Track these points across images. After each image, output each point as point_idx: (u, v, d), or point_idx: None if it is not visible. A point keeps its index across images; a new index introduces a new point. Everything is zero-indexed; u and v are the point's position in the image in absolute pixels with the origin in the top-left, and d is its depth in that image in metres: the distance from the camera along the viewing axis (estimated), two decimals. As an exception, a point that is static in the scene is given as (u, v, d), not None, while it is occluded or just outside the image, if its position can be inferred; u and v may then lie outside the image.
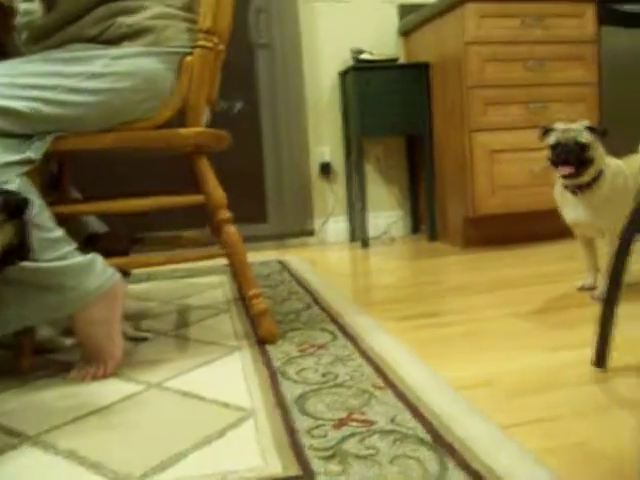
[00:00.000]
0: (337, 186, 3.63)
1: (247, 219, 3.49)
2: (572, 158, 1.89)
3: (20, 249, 1.28)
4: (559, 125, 1.97)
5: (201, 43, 1.61)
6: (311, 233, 3.56)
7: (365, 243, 3.36)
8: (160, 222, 3.20)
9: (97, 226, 2.08)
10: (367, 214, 3.38)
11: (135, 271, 2.87)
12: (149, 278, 2.78)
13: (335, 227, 3.63)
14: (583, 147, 1.89)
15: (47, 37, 1.59)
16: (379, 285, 2.43)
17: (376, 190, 3.66)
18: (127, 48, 1.55)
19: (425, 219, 3.49)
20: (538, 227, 3.08)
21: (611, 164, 1.95)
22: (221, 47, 1.72)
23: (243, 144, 3.52)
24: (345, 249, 3.40)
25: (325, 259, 3.13)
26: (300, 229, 3.54)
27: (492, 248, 3.02)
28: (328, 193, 3.63)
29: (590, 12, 3.00)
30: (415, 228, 3.72)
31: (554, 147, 1.93)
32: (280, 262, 2.97)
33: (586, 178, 1.91)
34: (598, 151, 1.92)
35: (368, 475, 0.97)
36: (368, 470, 0.98)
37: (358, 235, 3.51)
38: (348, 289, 2.38)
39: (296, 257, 3.12)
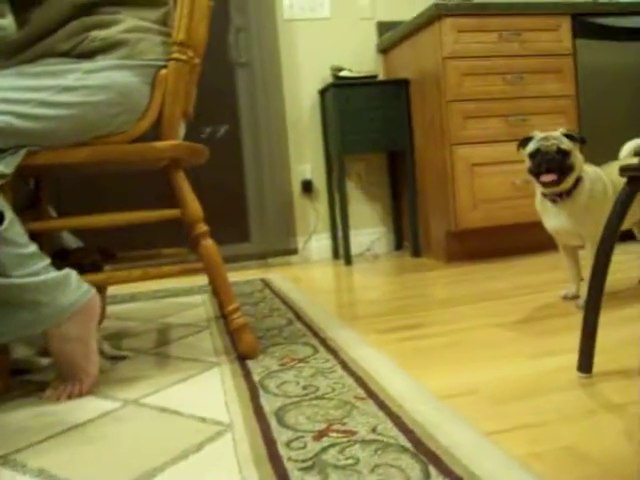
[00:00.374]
0: (319, 204, 3.62)
1: (229, 239, 3.47)
2: (554, 166, 1.88)
3: None
4: (537, 134, 1.96)
5: (175, 56, 1.60)
6: (294, 251, 3.54)
7: (348, 260, 3.34)
8: (142, 242, 3.19)
9: (72, 242, 2.05)
10: (350, 231, 3.36)
11: (117, 292, 2.84)
12: (131, 299, 2.74)
13: (318, 245, 3.62)
14: (565, 154, 1.89)
15: (20, 52, 1.57)
16: (362, 300, 2.41)
17: (358, 207, 3.65)
18: (100, 62, 1.54)
19: (408, 235, 3.48)
20: (521, 239, 3.08)
21: (589, 171, 1.95)
22: (196, 60, 1.71)
23: (224, 163, 3.51)
24: (328, 266, 3.38)
25: (308, 277, 3.10)
26: (283, 248, 3.52)
27: (476, 262, 3.01)
28: (310, 211, 3.61)
29: (565, 25, 3.03)
30: (398, 244, 3.71)
31: (533, 156, 1.93)
32: (262, 280, 2.94)
33: (566, 185, 1.90)
34: (577, 158, 1.91)
35: (347, 484, 0.94)
36: (347, 479, 0.95)
37: (341, 253, 3.49)
38: (331, 304, 2.35)
39: (279, 275, 3.09)
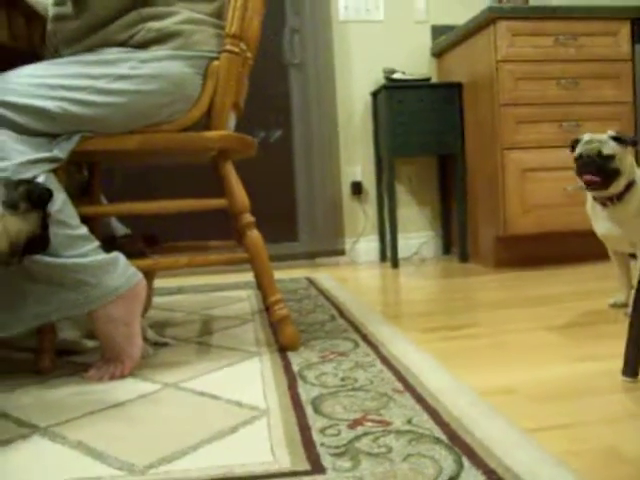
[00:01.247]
0: (368, 206, 3.62)
1: (279, 238, 3.50)
2: (593, 170, 1.85)
3: (41, 240, 1.29)
4: (585, 136, 1.93)
5: (228, 48, 1.62)
6: (342, 252, 3.54)
7: (395, 263, 3.32)
8: (192, 234, 3.23)
9: (121, 231, 2.09)
10: (398, 234, 3.34)
11: (165, 284, 2.89)
12: (178, 291, 2.78)
13: (366, 247, 3.61)
14: (607, 158, 1.85)
15: (77, 41, 1.62)
16: (406, 300, 2.40)
17: (407, 210, 3.63)
18: (155, 51, 1.57)
19: (456, 240, 3.45)
20: (571, 247, 3.02)
21: None
22: (248, 54, 1.73)
23: (275, 162, 3.54)
24: (375, 269, 3.37)
25: (354, 277, 3.10)
26: (331, 248, 3.52)
27: (524, 268, 2.96)
28: (359, 213, 3.61)
29: (625, 30, 2.96)
30: (446, 249, 3.68)
31: (578, 159, 1.90)
32: (308, 279, 2.95)
33: (616, 189, 1.86)
34: (625, 161, 1.86)
35: (377, 471, 0.94)
36: (378, 467, 0.95)
37: (388, 255, 3.48)
38: (375, 303, 2.34)
39: (325, 275, 3.10)
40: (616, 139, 1.87)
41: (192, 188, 3.16)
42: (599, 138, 1.89)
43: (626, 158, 1.87)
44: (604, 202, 1.90)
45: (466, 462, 0.96)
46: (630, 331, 1.36)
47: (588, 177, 1.86)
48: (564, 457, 0.98)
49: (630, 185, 1.87)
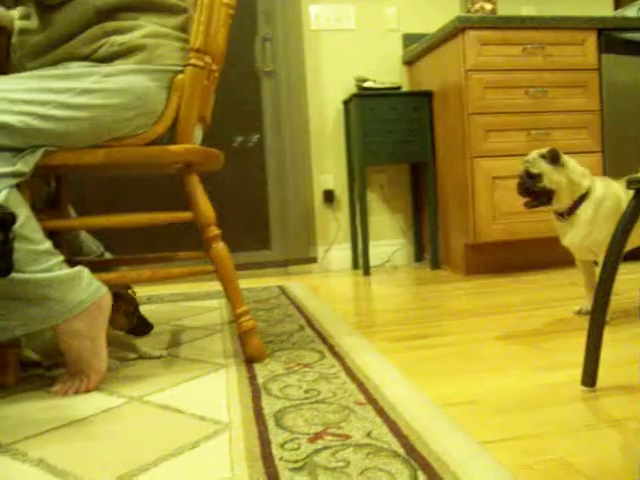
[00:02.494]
0: (340, 214, 3.63)
1: (251, 245, 3.51)
2: (522, 190, 1.97)
3: (2, 264, 1.28)
4: (527, 156, 2.01)
5: (192, 62, 1.62)
6: (314, 260, 3.56)
7: (367, 271, 3.34)
8: (167, 246, 3.24)
9: (92, 245, 2.09)
10: (370, 242, 3.36)
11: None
12: (148, 301, 2.78)
13: (338, 255, 3.63)
14: (534, 178, 1.93)
15: (41, 55, 1.62)
16: (376, 309, 2.42)
17: (379, 218, 3.65)
18: (119, 65, 1.57)
19: (428, 247, 3.48)
20: (540, 254, 3.06)
21: (597, 188, 1.93)
22: (214, 67, 1.74)
23: (247, 171, 3.55)
24: (347, 276, 3.38)
25: (326, 285, 3.11)
26: (303, 256, 3.54)
27: (494, 275, 2.99)
28: (331, 221, 3.63)
29: (591, 40, 3.02)
30: (419, 256, 3.70)
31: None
32: (280, 287, 2.96)
33: (560, 205, 1.94)
34: (558, 178, 1.91)
35: (334, 485, 0.95)
36: (335, 481, 0.96)
37: (361, 263, 3.50)
38: (345, 313, 2.36)
39: (297, 283, 3.11)
40: (544, 157, 1.93)
41: (168, 196, 3.17)
42: (528, 158, 1.98)
43: (559, 174, 1.92)
44: (557, 216, 1.95)
45: (421, 476, 0.97)
46: (588, 340, 1.38)
47: (523, 199, 1.99)
48: (518, 470, 1.00)
49: (582, 199, 1.91)
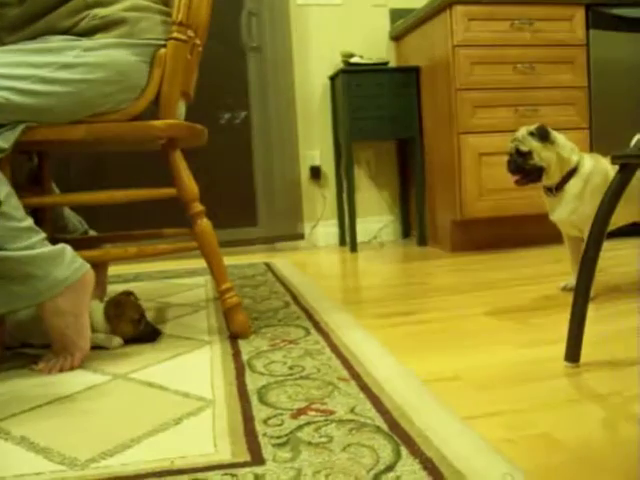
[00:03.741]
0: (327, 190, 3.62)
1: (237, 222, 3.49)
2: (513, 168, 1.97)
3: None
4: (515, 133, 2.00)
5: (175, 35, 1.60)
6: (301, 237, 3.55)
7: (354, 247, 3.34)
8: (153, 223, 3.21)
9: (75, 222, 2.08)
10: (357, 219, 3.36)
11: (121, 271, 2.87)
12: (134, 279, 2.77)
13: (325, 231, 3.62)
14: (524, 155, 1.93)
15: (21, 29, 1.59)
16: (362, 286, 2.42)
17: (367, 194, 3.65)
18: (100, 40, 1.55)
19: (415, 224, 3.47)
20: (527, 231, 3.06)
21: (587, 164, 1.94)
22: (197, 41, 1.71)
23: (233, 147, 3.52)
24: (334, 253, 3.38)
25: (313, 262, 3.11)
26: (290, 233, 3.53)
27: (480, 252, 3.00)
28: (318, 197, 3.62)
29: (579, 16, 3.00)
30: (405, 233, 3.70)
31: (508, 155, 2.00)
32: (266, 264, 2.95)
33: (550, 181, 1.94)
34: (547, 154, 1.92)
35: (316, 461, 0.95)
36: (317, 457, 0.96)
37: (348, 240, 3.49)
38: (331, 289, 2.36)
39: (283, 259, 3.10)
40: (533, 134, 1.93)
41: (155, 172, 3.14)
42: (517, 136, 1.98)
43: (548, 150, 1.92)
44: (546, 192, 1.95)
45: (404, 451, 0.97)
46: (572, 316, 1.38)
47: (513, 179, 1.99)
48: (500, 445, 1.01)
49: (571, 174, 1.91)
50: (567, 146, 1.95)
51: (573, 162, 1.93)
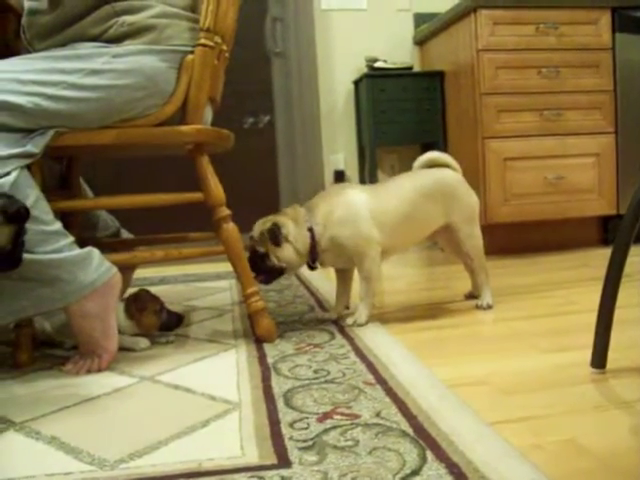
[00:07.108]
0: (351, 194, 3.62)
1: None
2: (254, 268, 1.76)
3: (9, 256, 1.28)
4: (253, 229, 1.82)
5: (202, 42, 1.61)
6: (325, 241, 3.55)
7: (378, 251, 3.33)
8: (179, 227, 3.23)
9: (110, 222, 2.09)
10: (380, 222, 3.35)
11: (147, 274, 2.90)
12: (160, 282, 2.79)
13: (349, 235, 3.62)
14: (262, 256, 1.76)
15: (51, 36, 1.62)
16: (387, 290, 2.42)
17: (390, 199, 3.64)
18: (128, 46, 1.57)
19: (439, 228, 3.46)
20: (552, 235, 3.04)
21: (320, 222, 1.78)
22: (224, 47, 1.73)
23: (258, 151, 3.54)
24: (358, 257, 3.37)
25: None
26: (314, 237, 3.53)
27: (504, 256, 2.98)
28: (342, 201, 3.62)
29: (605, 19, 2.98)
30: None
31: None
32: (290, 268, 2.96)
33: (299, 267, 1.84)
34: (284, 254, 1.75)
35: (342, 465, 0.95)
36: (343, 460, 0.97)
37: (372, 243, 3.49)
38: (355, 293, 2.36)
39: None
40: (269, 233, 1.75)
41: (179, 177, 3.17)
42: (255, 234, 1.78)
43: (285, 250, 1.75)
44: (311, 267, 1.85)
45: (430, 455, 0.97)
46: (598, 322, 1.37)
47: (257, 279, 1.78)
48: (526, 450, 1.00)
49: (314, 247, 1.79)
50: (300, 236, 1.76)
51: (307, 243, 1.77)
